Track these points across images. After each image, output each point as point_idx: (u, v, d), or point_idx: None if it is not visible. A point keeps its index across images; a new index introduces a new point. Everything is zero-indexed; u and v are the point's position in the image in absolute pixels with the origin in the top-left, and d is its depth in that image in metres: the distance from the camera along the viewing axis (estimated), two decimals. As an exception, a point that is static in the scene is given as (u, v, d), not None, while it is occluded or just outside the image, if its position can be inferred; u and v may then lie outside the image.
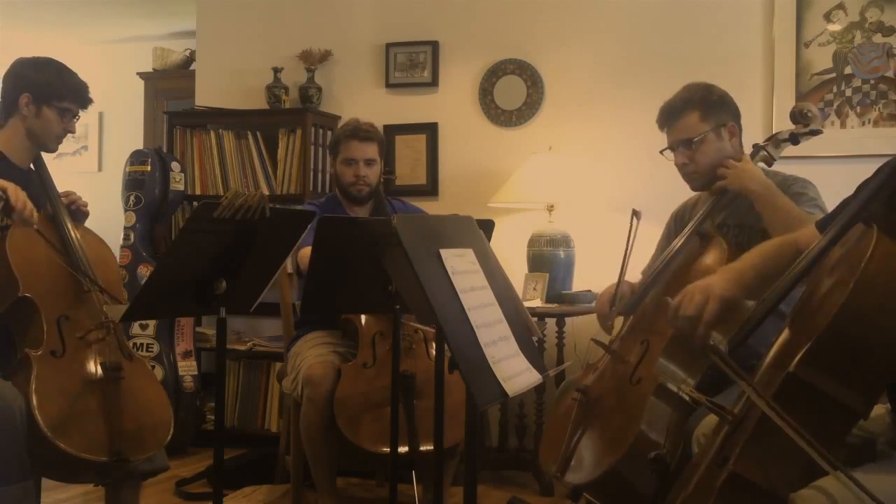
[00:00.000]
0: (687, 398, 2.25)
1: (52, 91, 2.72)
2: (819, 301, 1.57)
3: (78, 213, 2.80)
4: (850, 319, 1.44)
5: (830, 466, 1.39)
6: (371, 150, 3.46)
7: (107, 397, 2.49)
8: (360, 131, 3.46)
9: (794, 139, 2.64)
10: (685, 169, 2.69)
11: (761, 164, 2.63)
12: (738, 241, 2.54)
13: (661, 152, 2.75)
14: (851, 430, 1.51)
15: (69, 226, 2.69)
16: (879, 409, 1.72)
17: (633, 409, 2.27)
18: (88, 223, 2.85)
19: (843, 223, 1.62)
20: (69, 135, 2.80)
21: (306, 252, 2.74)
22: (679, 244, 2.60)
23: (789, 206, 2.44)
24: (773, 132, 2.78)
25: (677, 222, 2.86)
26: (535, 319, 2.95)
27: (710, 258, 2.45)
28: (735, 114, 2.71)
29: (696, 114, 2.64)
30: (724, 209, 2.67)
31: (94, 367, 2.54)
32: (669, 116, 2.70)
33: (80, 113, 2.81)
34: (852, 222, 1.61)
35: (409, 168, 4.42)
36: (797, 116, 2.65)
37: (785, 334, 1.64)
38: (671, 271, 2.56)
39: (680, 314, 1.74)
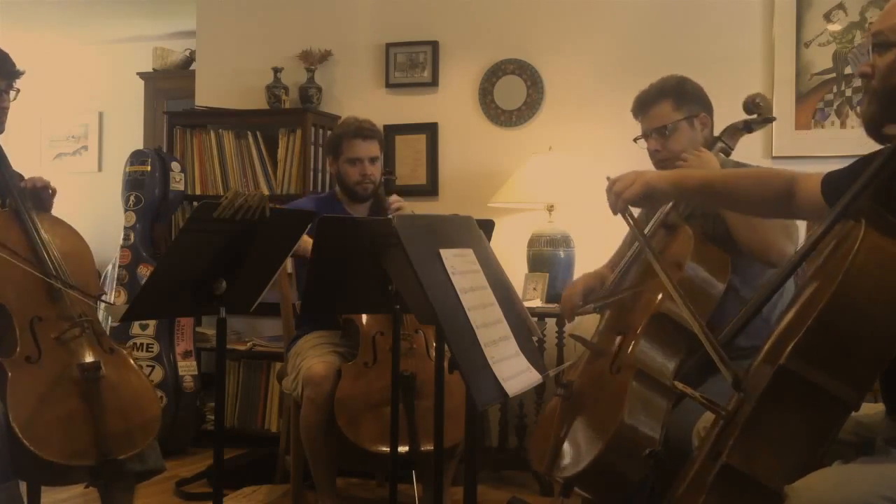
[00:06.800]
0: (667, 383, 2.28)
1: None
2: (810, 296, 1.59)
3: (43, 196, 2.70)
4: (838, 311, 1.46)
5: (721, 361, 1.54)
6: (374, 148, 3.47)
7: (87, 399, 2.42)
8: (363, 130, 3.46)
9: (748, 128, 2.75)
10: (657, 156, 2.76)
11: (720, 155, 2.68)
12: (705, 230, 2.58)
13: (635, 140, 2.82)
14: (844, 423, 1.51)
15: (34, 220, 2.60)
16: (878, 408, 1.73)
17: (615, 398, 2.30)
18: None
19: (829, 220, 1.65)
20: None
21: (308, 240, 2.72)
22: None
23: None
24: (729, 123, 2.81)
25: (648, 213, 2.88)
26: (535, 319, 2.95)
27: (677, 247, 2.50)
28: (707, 106, 2.79)
29: (670, 103, 2.73)
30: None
31: (71, 369, 2.46)
32: (644, 105, 2.78)
33: (17, 84, 2.70)
34: (839, 219, 1.64)
35: (409, 168, 4.42)
36: (749, 106, 2.75)
37: (779, 330, 1.66)
38: (641, 265, 2.58)
39: (612, 190, 1.99)
